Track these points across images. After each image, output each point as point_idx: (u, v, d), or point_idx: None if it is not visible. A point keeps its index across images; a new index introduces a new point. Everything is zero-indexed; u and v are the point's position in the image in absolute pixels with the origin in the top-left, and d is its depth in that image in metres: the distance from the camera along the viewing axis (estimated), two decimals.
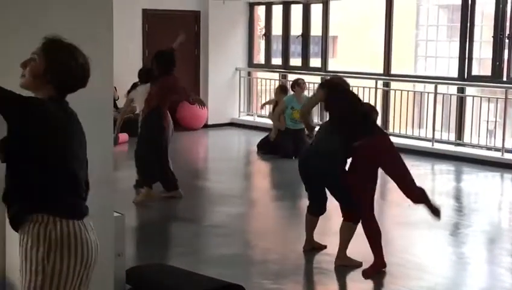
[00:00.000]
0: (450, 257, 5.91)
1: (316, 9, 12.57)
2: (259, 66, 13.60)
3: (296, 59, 13.21)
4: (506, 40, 10.00)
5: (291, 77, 12.89)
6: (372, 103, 11.23)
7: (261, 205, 7.85)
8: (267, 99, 12.45)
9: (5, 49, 3.60)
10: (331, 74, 12.26)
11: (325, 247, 5.77)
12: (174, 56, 7.43)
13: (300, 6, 12.73)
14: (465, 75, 10.48)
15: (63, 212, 2.78)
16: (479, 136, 10.33)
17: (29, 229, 2.76)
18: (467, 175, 9.30)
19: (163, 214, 7.26)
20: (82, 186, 2.88)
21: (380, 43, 11.68)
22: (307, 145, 5.71)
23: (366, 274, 5.26)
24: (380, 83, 11.47)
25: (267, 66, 13.49)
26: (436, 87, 10.72)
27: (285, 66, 13.18)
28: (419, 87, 12.28)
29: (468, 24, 10.42)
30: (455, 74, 10.78)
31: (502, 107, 10.26)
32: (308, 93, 10.62)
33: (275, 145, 10.20)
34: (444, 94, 10.82)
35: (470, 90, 11.05)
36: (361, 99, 5.68)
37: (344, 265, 5.41)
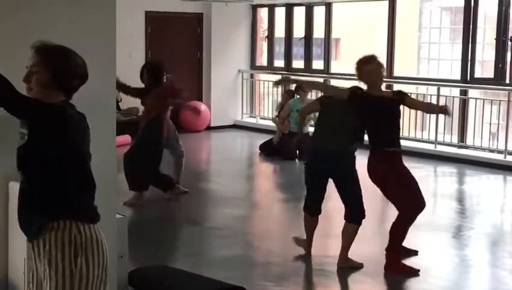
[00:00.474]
0: (453, 259, 5.90)
1: (319, 12, 12.57)
2: (261, 68, 13.61)
3: (298, 61, 13.21)
4: (509, 43, 9.99)
5: None
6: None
7: (264, 207, 7.85)
8: (270, 101, 12.46)
9: (8, 54, 3.61)
10: (334, 76, 12.29)
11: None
12: (163, 66, 7.57)
13: (303, 8, 12.74)
14: (467, 78, 10.47)
15: (84, 217, 2.80)
16: (481, 138, 10.32)
17: (52, 237, 2.74)
18: (470, 177, 9.29)
19: (165, 215, 7.27)
20: (95, 189, 2.91)
21: (383, 45, 11.67)
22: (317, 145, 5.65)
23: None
24: (382, 86, 11.44)
25: (270, 68, 13.49)
26: (438, 90, 10.72)
27: (288, 68, 13.19)
28: (422, 89, 12.27)
29: (471, 26, 10.41)
30: (458, 76, 10.77)
31: (504, 109, 10.25)
32: (311, 96, 10.62)
33: (278, 147, 10.20)
34: (446, 96, 10.81)
35: (472, 93, 11.04)
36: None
37: (346, 267, 5.40)
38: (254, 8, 13.47)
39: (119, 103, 10.92)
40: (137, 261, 5.16)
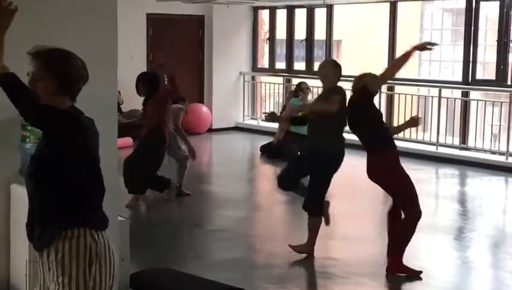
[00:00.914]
0: (455, 261, 5.90)
1: (320, 13, 12.57)
2: (263, 70, 13.61)
3: (300, 63, 13.21)
4: (511, 44, 9.99)
5: (295, 81, 12.89)
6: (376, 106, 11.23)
7: (265, 208, 7.85)
8: (271, 103, 12.46)
9: (13, 59, 3.61)
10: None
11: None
12: (157, 75, 7.62)
13: (304, 10, 12.74)
14: (469, 79, 10.47)
15: (97, 224, 2.77)
16: (483, 140, 10.31)
17: (65, 245, 2.70)
18: (471, 179, 9.28)
19: (167, 218, 7.27)
20: (104, 193, 2.89)
21: (384, 47, 11.67)
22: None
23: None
24: (384, 87, 11.44)
25: (271, 70, 13.50)
26: (440, 91, 10.71)
27: (289, 70, 13.19)
28: (424, 91, 12.26)
29: (473, 28, 10.41)
30: (459, 78, 10.77)
31: (506, 111, 10.24)
32: (312, 96, 10.62)
33: (279, 149, 10.20)
34: (448, 98, 10.81)
35: (474, 94, 11.04)
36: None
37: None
38: (255, 10, 13.48)
39: (121, 106, 10.93)
40: (139, 264, 5.15)
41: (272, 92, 13.39)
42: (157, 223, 7.10)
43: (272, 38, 13.47)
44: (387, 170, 5.34)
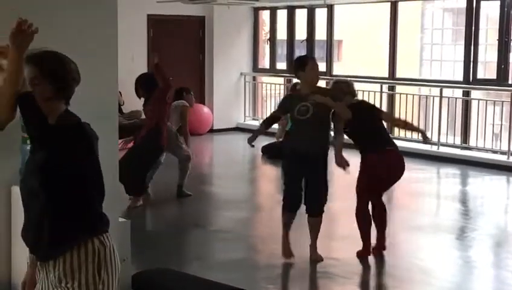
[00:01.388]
0: (456, 260, 5.89)
1: (321, 14, 12.57)
2: (264, 71, 13.61)
3: None
4: (511, 43, 9.98)
5: (297, 82, 12.88)
6: (377, 106, 11.23)
7: (267, 209, 7.84)
8: (272, 103, 12.45)
9: None
10: (336, 78, 12.27)
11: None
12: (154, 77, 7.55)
13: (304, 10, 12.74)
14: (470, 79, 10.46)
15: (104, 227, 2.75)
16: (484, 139, 10.30)
17: (73, 254, 2.65)
18: (473, 179, 9.28)
19: (168, 219, 7.27)
20: (104, 195, 2.84)
21: (385, 47, 11.67)
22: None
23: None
24: (385, 87, 11.46)
25: (272, 70, 13.49)
26: (441, 91, 10.70)
27: (290, 71, 13.17)
28: (425, 90, 12.26)
29: (473, 27, 10.41)
30: (460, 78, 10.76)
31: (507, 110, 10.24)
32: None
33: (280, 149, 10.18)
34: (449, 98, 10.79)
35: (475, 94, 11.03)
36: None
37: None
38: (256, 11, 13.48)
39: (122, 107, 10.93)
40: (140, 265, 5.15)
41: (273, 92, 13.38)
42: (158, 224, 7.10)
43: (272, 39, 13.46)
44: None
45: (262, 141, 11.17)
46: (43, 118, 2.71)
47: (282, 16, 13.25)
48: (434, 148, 10.42)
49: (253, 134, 5.84)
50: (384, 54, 11.80)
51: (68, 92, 2.75)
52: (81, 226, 2.68)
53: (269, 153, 10.46)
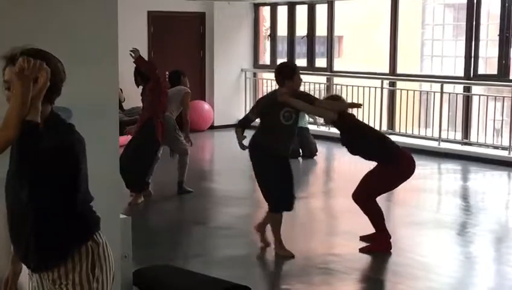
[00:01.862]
0: (458, 256, 5.89)
1: (321, 9, 12.55)
2: (264, 67, 13.60)
3: (301, 59, 13.20)
4: None
5: None
6: (378, 102, 11.24)
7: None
8: None
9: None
10: (337, 73, 12.28)
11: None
12: (151, 64, 7.68)
13: (305, 6, 12.72)
14: (471, 74, 10.45)
15: (96, 228, 2.71)
16: (485, 135, 10.30)
17: (67, 259, 2.63)
18: (474, 174, 9.27)
19: (169, 215, 7.27)
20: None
21: (386, 43, 11.66)
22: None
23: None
24: (386, 83, 11.45)
25: (273, 67, 13.43)
26: (442, 87, 10.70)
27: None
28: (426, 86, 12.26)
29: (474, 23, 10.39)
30: (461, 73, 10.75)
31: (508, 105, 10.23)
32: (314, 94, 10.59)
33: None
34: (450, 93, 10.79)
35: (476, 89, 11.02)
36: None
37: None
38: (256, 7, 13.46)
39: (122, 103, 10.92)
40: (142, 261, 5.15)
41: (274, 88, 13.34)
42: (160, 220, 7.10)
43: (273, 35, 13.45)
44: None
45: None
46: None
47: (282, 11, 13.24)
48: (435, 144, 10.41)
49: (239, 142, 6.08)
50: (385, 50, 11.79)
51: (56, 93, 2.57)
52: (74, 237, 2.64)
53: None
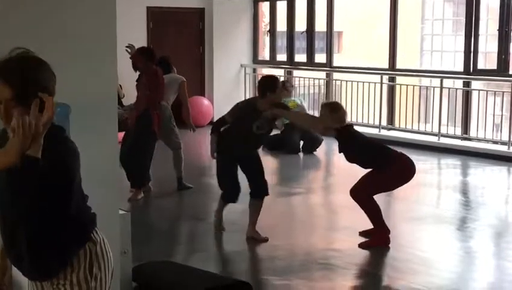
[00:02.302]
0: (457, 251, 5.89)
1: (321, 5, 12.54)
2: (264, 63, 13.59)
3: (301, 55, 13.19)
4: None
5: (297, 73, 12.88)
6: (377, 97, 11.23)
7: (268, 201, 7.81)
8: None
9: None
10: (336, 69, 12.27)
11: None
12: (149, 49, 7.91)
13: (304, 1, 12.70)
14: (470, 69, 10.45)
15: (93, 226, 2.69)
16: (485, 130, 10.29)
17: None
18: (474, 169, 9.27)
19: (169, 211, 7.27)
20: None
21: (385, 38, 11.64)
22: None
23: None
24: (385, 78, 11.44)
25: (272, 62, 13.47)
26: (442, 82, 10.69)
27: (290, 62, 13.16)
28: (425, 81, 12.26)
29: (474, 18, 10.38)
30: (461, 68, 10.74)
31: (508, 100, 10.23)
32: (313, 90, 10.60)
33: (282, 141, 10.18)
34: (449, 88, 10.79)
35: (475, 84, 11.01)
36: None
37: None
38: (255, 2, 13.45)
39: (122, 99, 10.91)
40: (141, 257, 5.15)
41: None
42: (159, 216, 7.10)
43: (272, 31, 13.44)
44: None
45: None
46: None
47: (282, 7, 13.22)
48: (435, 139, 10.41)
49: (212, 147, 5.98)
50: (384, 45, 11.78)
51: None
52: (71, 243, 2.60)
53: (270, 144, 10.45)
